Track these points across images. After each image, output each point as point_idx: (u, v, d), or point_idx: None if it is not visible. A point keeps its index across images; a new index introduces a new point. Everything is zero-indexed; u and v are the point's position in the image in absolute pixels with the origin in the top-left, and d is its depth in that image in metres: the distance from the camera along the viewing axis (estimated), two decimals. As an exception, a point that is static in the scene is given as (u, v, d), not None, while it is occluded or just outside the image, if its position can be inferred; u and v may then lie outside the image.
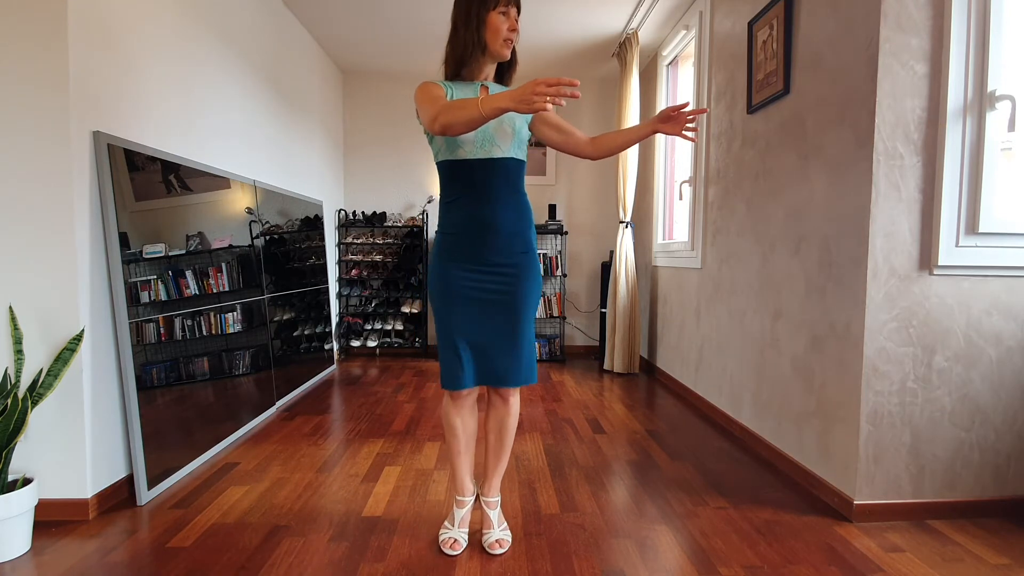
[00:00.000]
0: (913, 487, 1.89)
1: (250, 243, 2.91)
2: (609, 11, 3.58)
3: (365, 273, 4.76)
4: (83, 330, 1.79)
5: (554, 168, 4.97)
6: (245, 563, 1.58)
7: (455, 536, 1.68)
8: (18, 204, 1.76)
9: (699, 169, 3.29)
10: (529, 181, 4.72)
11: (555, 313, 4.72)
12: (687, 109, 1.58)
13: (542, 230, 4.64)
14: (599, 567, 1.57)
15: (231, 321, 2.63)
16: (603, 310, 4.52)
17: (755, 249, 2.59)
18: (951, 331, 1.86)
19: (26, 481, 1.72)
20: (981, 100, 1.79)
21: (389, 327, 4.75)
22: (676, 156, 4.10)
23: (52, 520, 1.81)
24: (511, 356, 1.62)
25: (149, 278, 2.08)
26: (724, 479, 2.21)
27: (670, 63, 4.08)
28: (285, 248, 3.44)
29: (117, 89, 1.99)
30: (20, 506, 1.62)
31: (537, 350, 4.66)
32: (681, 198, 3.75)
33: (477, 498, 1.80)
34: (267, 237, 3.17)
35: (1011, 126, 1.76)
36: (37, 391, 1.70)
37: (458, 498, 1.73)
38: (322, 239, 4.16)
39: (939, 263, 1.82)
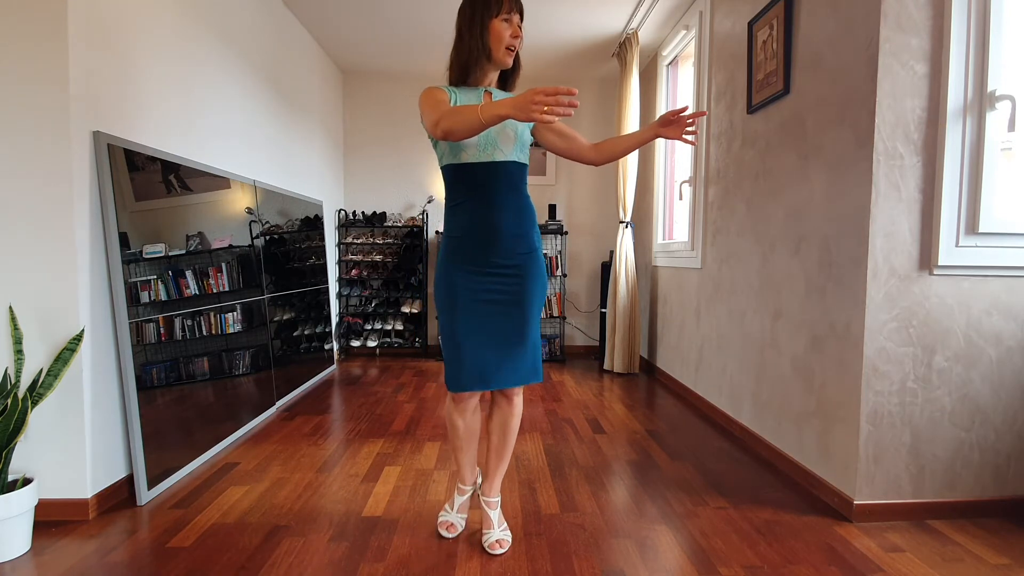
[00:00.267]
0: (913, 487, 1.89)
1: (250, 243, 2.91)
2: (609, 11, 3.58)
3: (365, 273, 4.76)
4: (83, 330, 1.79)
5: (554, 168, 4.97)
6: (245, 563, 1.58)
7: (452, 520, 1.76)
8: (18, 204, 1.76)
9: (699, 169, 3.29)
10: (530, 181, 4.69)
11: (555, 313, 4.72)
12: (687, 113, 1.58)
13: (542, 230, 4.64)
14: (599, 567, 1.57)
15: (231, 321, 2.63)
16: (603, 310, 4.52)
17: (755, 249, 2.59)
18: (951, 331, 1.86)
19: (26, 481, 1.72)
20: (981, 100, 1.79)
21: (389, 327, 4.75)
22: (676, 156, 4.10)
23: (52, 520, 1.81)
24: (516, 357, 1.63)
25: (149, 278, 2.08)
26: (724, 479, 2.21)
27: (670, 63, 4.08)
28: (285, 248, 3.44)
29: (117, 89, 1.99)
30: (20, 506, 1.62)
31: (541, 349, 4.64)
32: (681, 198, 3.75)
33: (476, 496, 1.81)
34: (267, 237, 3.17)
35: (1011, 126, 1.76)
36: (37, 391, 1.70)
37: (460, 486, 1.80)
38: (322, 239, 4.16)
39: (939, 263, 1.82)
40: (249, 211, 2.96)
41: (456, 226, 1.63)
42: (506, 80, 1.69)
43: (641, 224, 4.48)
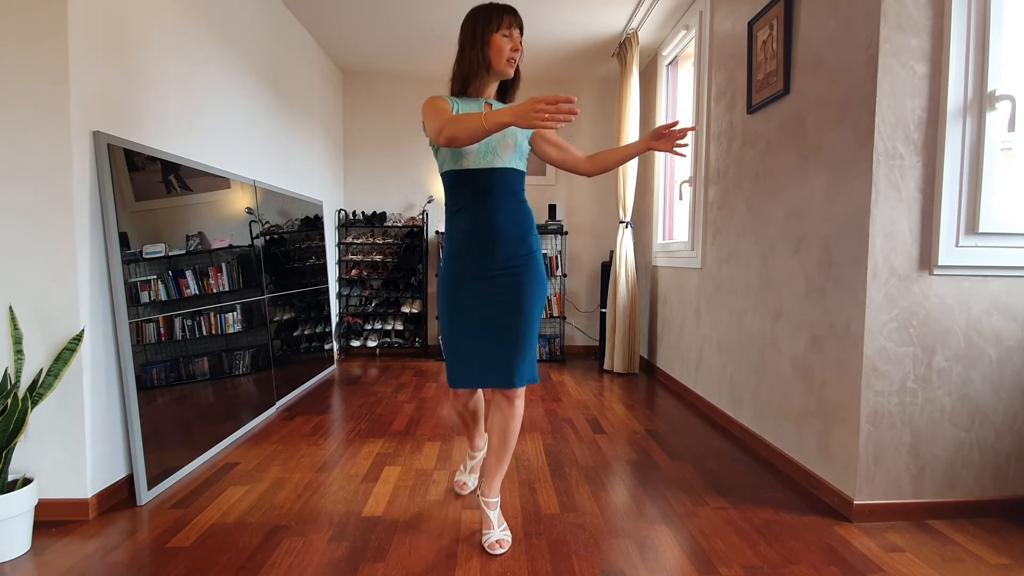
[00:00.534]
0: (913, 487, 1.89)
1: (250, 243, 2.91)
2: (609, 11, 3.58)
3: (365, 273, 4.76)
4: (83, 330, 1.79)
5: (554, 168, 4.96)
6: (245, 563, 1.58)
7: (465, 479, 2.05)
8: (18, 204, 1.76)
9: (699, 169, 3.29)
10: (529, 181, 4.72)
11: (555, 313, 4.72)
12: (678, 127, 1.66)
13: (542, 230, 4.64)
14: (599, 567, 1.57)
15: (231, 321, 2.63)
16: (603, 310, 4.52)
17: (755, 249, 2.59)
18: (951, 331, 1.86)
19: (26, 481, 1.72)
20: (981, 100, 1.79)
21: (389, 327, 4.75)
22: (676, 156, 4.09)
23: (52, 520, 1.81)
24: (515, 358, 1.66)
25: (149, 278, 2.08)
26: (724, 479, 2.21)
27: (670, 63, 4.08)
28: (285, 248, 3.44)
29: (117, 89, 1.99)
30: (20, 506, 1.62)
31: (537, 350, 4.64)
32: (681, 198, 3.75)
33: (476, 493, 1.89)
34: (267, 237, 3.17)
35: (1011, 126, 1.76)
36: (37, 391, 1.70)
37: (470, 452, 2.08)
38: (322, 239, 4.16)
39: (939, 263, 1.82)
40: (249, 211, 2.96)
41: (457, 230, 1.68)
42: (506, 91, 1.75)
43: (641, 224, 4.48)
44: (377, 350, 4.86)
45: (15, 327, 1.72)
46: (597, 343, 4.91)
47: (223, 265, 2.60)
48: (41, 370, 1.76)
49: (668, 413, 3.13)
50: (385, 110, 4.89)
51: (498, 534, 1.69)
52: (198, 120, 2.54)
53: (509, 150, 1.64)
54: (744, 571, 1.56)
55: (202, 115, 2.57)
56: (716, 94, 3.08)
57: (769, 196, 2.47)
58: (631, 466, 2.33)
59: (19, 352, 1.71)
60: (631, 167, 4.07)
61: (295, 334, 3.52)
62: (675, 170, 4.09)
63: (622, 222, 4.11)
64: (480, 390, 1.85)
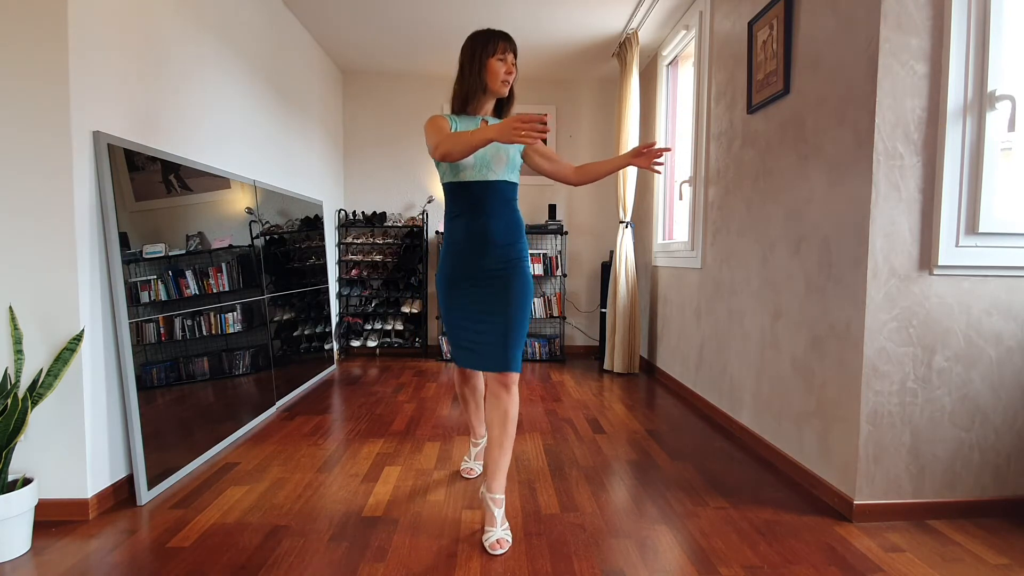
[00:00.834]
0: (913, 487, 1.89)
1: (250, 243, 2.91)
2: (609, 11, 3.58)
3: (365, 273, 4.76)
4: (83, 330, 1.79)
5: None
6: (245, 563, 1.58)
7: (471, 466, 2.22)
8: (18, 204, 1.76)
9: (699, 169, 3.29)
10: (529, 181, 4.72)
11: (555, 313, 4.72)
12: (656, 147, 1.84)
13: (542, 230, 4.65)
14: (599, 567, 1.57)
15: (231, 321, 2.63)
16: (603, 310, 4.52)
17: (755, 249, 2.59)
18: (951, 331, 1.86)
19: (26, 481, 1.72)
20: (981, 100, 1.79)
21: (389, 327, 4.75)
22: (676, 156, 4.10)
23: (52, 520, 1.81)
24: (506, 347, 1.79)
25: (149, 278, 2.08)
26: (724, 479, 2.21)
27: (670, 63, 4.08)
28: (285, 248, 3.44)
29: (117, 89, 1.99)
30: (20, 506, 1.62)
31: (537, 350, 4.66)
32: (681, 198, 3.75)
33: (480, 491, 1.98)
34: (267, 237, 3.17)
35: (1011, 126, 1.76)
36: (37, 391, 1.70)
37: (473, 440, 2.25)
38: (322, 239, 4.16)
39: (939, 263, 1.82)
40: (249, 211, 2.95)
41: (455, 234, 1.86)
42: (502, 108, 1.92)
43: (641, 224, 4.48)
44: (377, 350, 4.86)
45: (15, 327, 1.72)
46: (597, 343, 4.91)
47: (223, 265, 2.60)
48: (41, 370, 1.76)
49: (668, 413, 3.13)
50: (385, 110, 4.89)
51: (500, 533, 1.71)
52: (198, 120, 2.54)
53: (502, 164, 1.82)
54: (744, 571, 1.56)
55: (202, 115, 2.57)
56: (716, 94, 3.08)
57: (769, 196, 2.47)
58: (631, 466, 2.33)
59: (19, 352, 1.71)
60: (632, 167, 4.07)
61: (295, 334, 3.52)
62: (675, 170, 4.09)
63: (622, 222, 4.11)
64: (478, 377, 2.09)
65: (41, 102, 1.75)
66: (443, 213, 4.86)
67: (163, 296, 2.15)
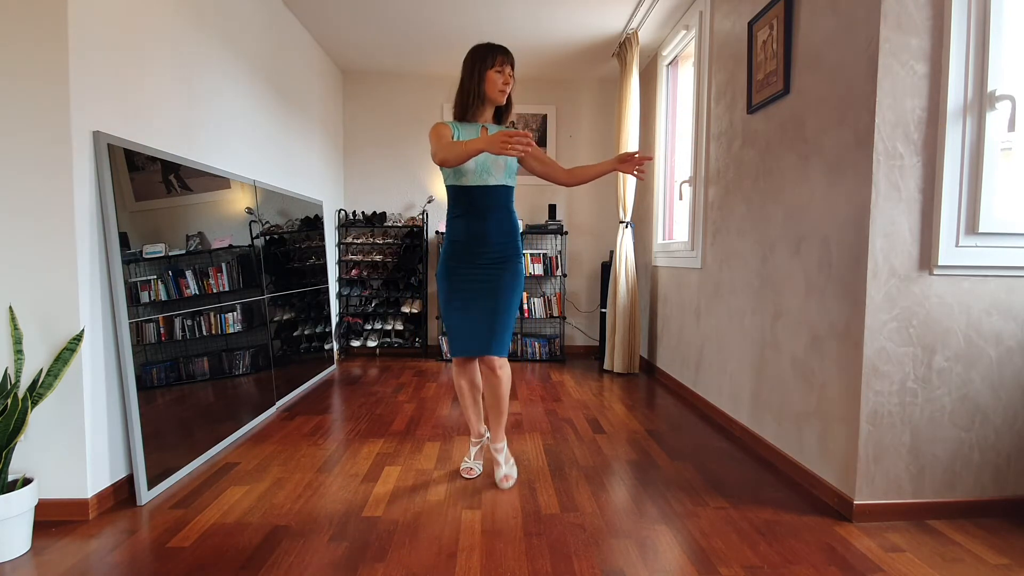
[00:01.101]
0: (913, 487, 1.89)
1: (250, 243, 2.91)
2: (609, 11, 3.58)
3: (365, 273, 4.76)
4: (83, 330, 1.79)
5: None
6: (245, 563, 1.58)
7: (471, 465, 2.22)
8: (18, 204, 1.77)
9: (699, 169, 3.29)
10: (530, 181, 4.72)
11: (555, 313, 4.72)
12: (638, 155, 2.01)
13: (542, 230, 4.65)
14: (599, 567, 1.57)
15: (231, 321, 2.63)
16: (603, 310, 4.52)
17: (755, 249, 2.59)
18: (951, 331, 1.86)
19: (26, 481, 1.72)
20: (981, 100, 1.79)
21: (389, 327, 4.75)
22: (676, 156, 4.10)
23: (52, 520, 1.81)
24: (494, 332, 2.03)
25: (149, 278, 2.08)
26: (724, 479, 2.21)
27: (670, 63, 4.08)
28: (285, 248, 3.44)
29: (117, 89, 1.99)
30: (20, 506, 1.62)
31: (537, 350, 4.66)
32: (681, 198, 3.75)
33: (488, 447, 2.23)
34: (267, 237, 3.17)
35: (1011, 126, 1.76)
36: (37, 391, 1.70)
37: (472, 439, 2.28)
38: (322, 239, 4.16)
39: (939, 263, 1.82)
40: (249, 211, 2.96)
41: (456, 231, 2.07)
42: (501, 115, 2.12)
43: (641, 224, 4.48)
44: (377, 350, 4.86)
45: (15, 327, 1.72)
46: (597, 343, 4.91)
47: (223, 265, 2.60)
48: (41, 370, 1.76)
49: (668, 413, 3.13)
50: (385, 110, 4.89)
51: (506, 469, 2.14)
52: (198, 120, 2.54)
53: (500, 170, 2.03)
54: (744, 571, 1.56)
55: (202, 115, 2.57)
56: (716, 94, 3.08)
57: (769, 196, 2.47)
58: (631, 466, 2.33)
59: (19, 352, 1.71)
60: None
61: (295, 334, 3.52)
62: (675, 170, 4.09)
63: (622, 222, 4.11)
64: (477, 366, 2.19)
65: (41, 102, 1.75)
66: (443, 213, 4.89)
67: (163, 296, 2.15)
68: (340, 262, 4.74)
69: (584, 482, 2.16)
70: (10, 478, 1.73)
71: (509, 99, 2.07)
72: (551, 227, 4.62)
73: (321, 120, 4.31)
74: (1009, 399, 1.89)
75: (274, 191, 3.34)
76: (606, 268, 4.54)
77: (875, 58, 1.81)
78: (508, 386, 2.11)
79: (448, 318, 2.10)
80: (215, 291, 2.51)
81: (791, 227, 2.29)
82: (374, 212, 4.85)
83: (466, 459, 2.28)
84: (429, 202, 4.87)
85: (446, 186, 2.07)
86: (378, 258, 4.75)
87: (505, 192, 2.06)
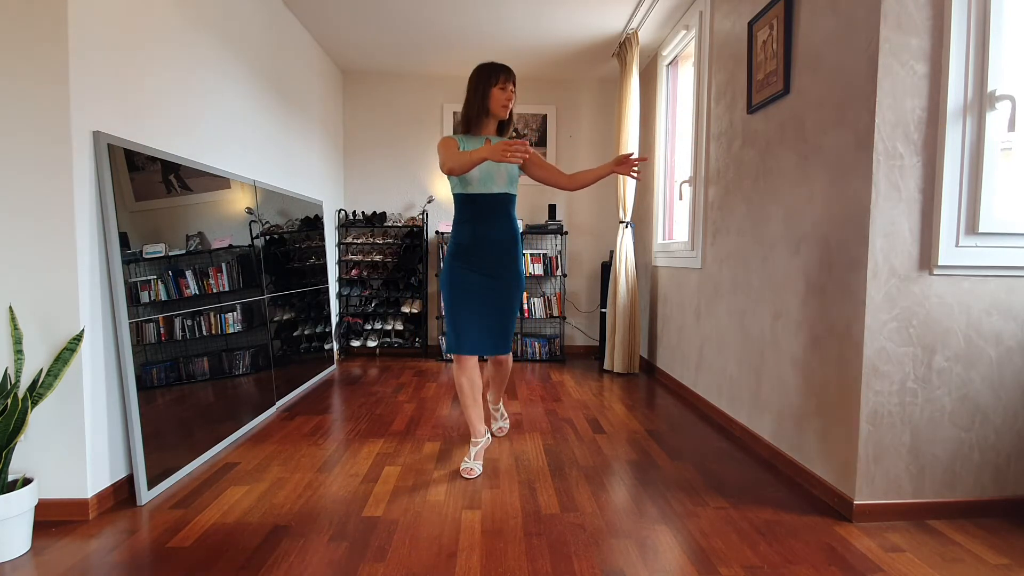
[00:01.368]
0: (913, 487, 1.89)
1: (250, 243, 2.91)
2: (609, 11, 3.58)
3: (365, 273, 4.76)
4: (83, 330, 1.79)
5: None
6: (245, 563, 1.58)
7: (472, 466, 2.23)
8: (18, 204, 1.77)
9: (699, 169, 3.29)
10: (530, 181, 4.72)
11: (555, 313, 4.72)
12: (634, 157, 2.19)
13: (542, 230, 4.65)
14: (599, 567, 1.57)
15: (231, 321, 2.63)
16: (603, 310, 4.52)
17: (755, 249, 2.59)
18: (951, 331, 1.86)
19: (26, 481, 1.72)
20: (981, 100, 1.79)
21: (389, 327, 4.75)
22: (676, 156, 4.10)
23: (52, 520, 1.81)
24: (498, 330, 2.24)
25: (149, 278, 2.08)
26: (724, 479, 2.21)
27: (670, 63, 4.08)
28: (285, 248, 3.44)
29: (117, 89, 1.99)
30: (20, 506, 1.62)
31: (537, 350, 4.67)
32: (681, 198, 3.75)
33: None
34: (267, 237, 3.17)
35: (1011, 126, 1.76)
36: (37, 391, 1.70)
37: (473, 439, 2.32)
38: (322, 239, 4.16)
39: (939, 263, 1.82)
40: (249, 211, 2.96)
41: (462, 236, 2.23)
42: (503, 128, 2.27)
43: (641, 224, 4.48)
44: (377, 350, 4.86)
45: (15, 327, 1.72)
46: (597, 343, 4.91)
47: (223, 265, 2.60)
48: (41, 370, 1.76)
49: (668, 413, 3.13)
50: (385, 110, 4.89)
51: (501, 423, 2.64)
52: (198, 120, 2.54)
53: (503, 180, 2.19)
54: (744, 571, 1.56)
55: (202, 115, 2.57)
56: (716, 94, 3.08)
57: (769, 196, 2.47)
58: (631, 466, 2.33)
59: (19, 352, 1.71)
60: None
61: (295, 334, 3.52)
62: (675, 170, 4.09)
63: (622, 222, 4.11)
64: (477, 364, 2.28)
65: (41, 102, 1.75)
66: (441, 214, 4.94)
67: (163, 296, 2.15)
68: (340, 262, 4.74)
69: (584, 482, 2.16)
70: (10, 478, 1.73)
71: (511, 113, 2.24)
72: (551, 227, 4.62)
73: (321, 120, 4.31)
74: (1009, 399, 1.89)
75: (274, 191, 3.34)
76: (606, 268, 4.54)
77: (875, 58, 1.81)
78: (510, 368, 2.49)
79: (454, 318, 2.20)
80: (215, 291, 2.51)
81: (791, 227, 2.29)
82: (374, 212, 4.85)
83: (466, 459, 2.28)
84: (429, 202, 4.87)
85: (453, 194, 2.25)
86: (378, 258, 4.75)
87: (507, 199, 2.23)
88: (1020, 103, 1.75)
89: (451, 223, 4.75)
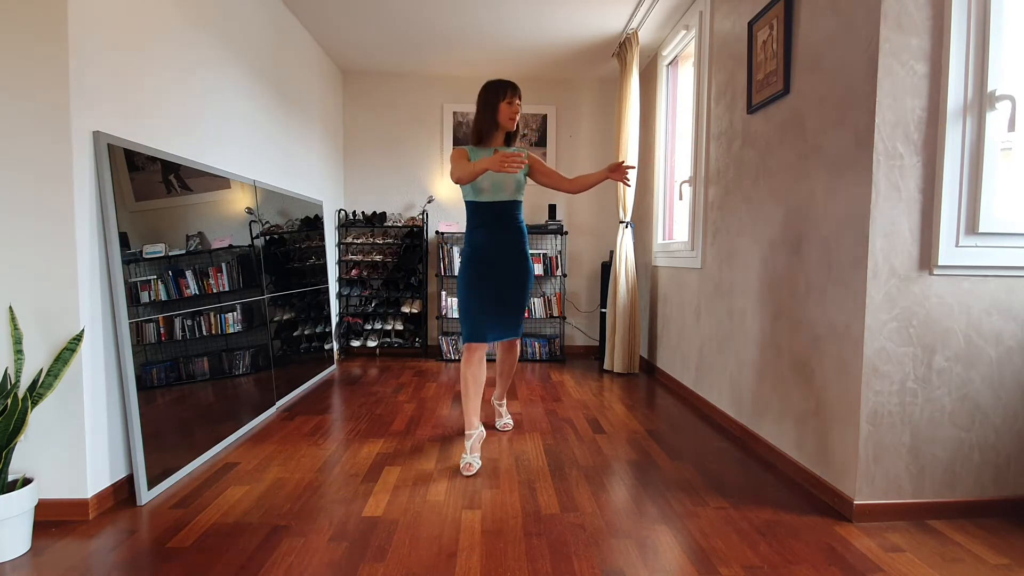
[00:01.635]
0: (913, 487, 1.89)
1: (250, 243, 2.91)
2: (609, 11, 3.58)
3: (365, 273, 4.76)
4: (83, 330, 1.79)
5: (554, 168, 4.96)
6: (245, 563, 1.58)
7: (470, 460, 2.29)
8: (18, 204, 1.77)
9: (699, 169, 3.29)
10: (531, 182, 4.71)
11: (555, 313, 4.72)
12: (626, 164, 2.43)
13: (542, 230, 4.65)
14: (599, 567, 1.57)
15: (231, 321, 2.63)
16: (603, 310, 4.52)
17: (755, 249, 2.59)
18: (951, 331, 1.86)
19: (26, 481, 1.72)
20: (981, 100, 1.79)
21: (389, 327, 4.75)
22: (676, 156, 4.10)
23: (52, 520, 1.81)
24: (512, 318, 2.49)
25: (149, 278, 2.08)
26: (724, 479, 2.21)
27: (670, 63, 4.08)
28: (285, 248, 3.44)
29: (117, 89, 1.99)
30: (20, 506, 1.62)
31: (537, 350, 4.67)
32: (681, 198, 3.75)
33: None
34: (267, 237, 3.17)
35: (1011, 126, 1.76)
36: (37, 391, 1.70)
37: (467, 432, 2.40)
38: (322, 239, 4.16)
39: (939, 263, 1.82)
40: (249, 211, 2.96)
41: (476, 239, 2.45)
42: (510, 139, 2.49)
43: (641, 224, 4.48)
44: (377, 350, 4.86)
45: (15, 327, 1.72)
46: (597, 343, 4.91)
47: (223, 265, 2.60)
48: (41, 370, 1.76)
49: (668, 413, 3.13)
50: (385, 110, 4.89)
51: (506, 419, 2.81)
52: (198, 120, 2.54)
53: (511, 188, 2.42)
54: (744, 571, 1.56)
55: (202, 115, 2.57)
56: (716, 94, 3.08)
57: (769, 196, 2.47)
58: (631, 466, 2.33)
59: (19, 352, 1.71)
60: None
61: (295, 334, 3.52)
62: (675, 170, 4.09)
63: (622, 222, 4.11)
64: (484, 358, 2.45)
65: (41, 102, 1.75)
66: (441, 214, 4.99)
67: (163, 296, 2.15)
68: (340, 262, 4.74)
69: (584, 482, 2.16)
70: (10, 478, 1.73)
71: (517, 125, 2.46)
72: (551, 227, 4.62)
73: (321, 120, 4.31)
74: (1009, 399, 1.89)
75: (274, 191, 3.34)
76: (606, 268, 4.54)
77: (875, 58, 1.81)
78: (518, 355, 2.72)
79: (469, 311, 2.41)
80: (215, 291, 2.51)
81: (791, 227, 2.29)
82: (374, 212, 4.85)
83: (464, 455, 2.33)
84: (429, 202, 4.87)
85: (465, 202, 2.48)
86: (378, 258, 4.75)
87: (515, 206, 2.47)
88: (1020, 103, 1.75)
89: (451, 223, 4.79)
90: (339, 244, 4.72)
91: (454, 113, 4.87)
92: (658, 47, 4.12)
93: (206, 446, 2.34)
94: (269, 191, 3.26)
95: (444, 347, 4.65)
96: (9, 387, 1.69)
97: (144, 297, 2.05)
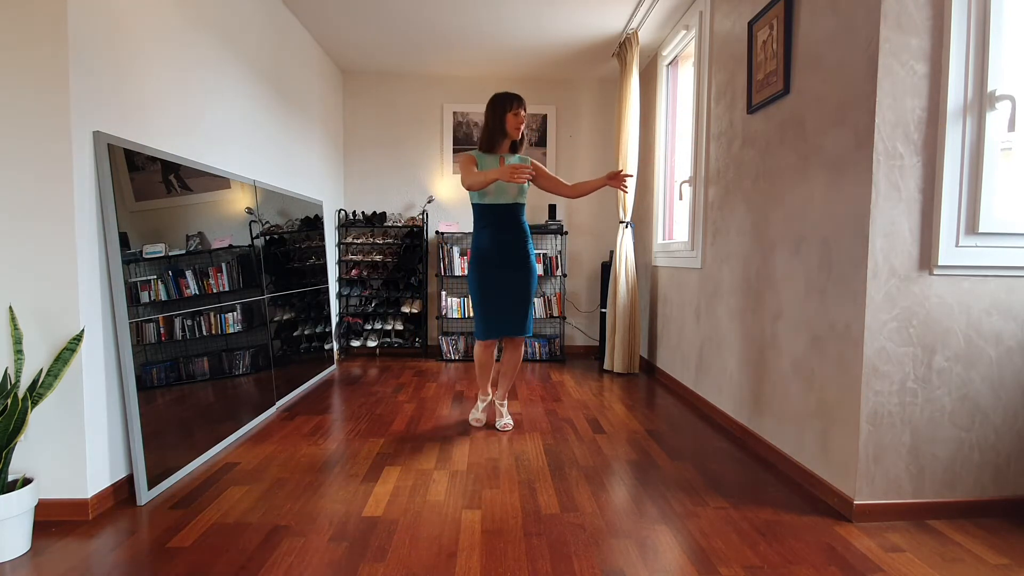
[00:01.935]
0: (913, 487, 1.89)
1: (250, 243, 2.91)
2: (609, 11, 3.58)
3: (365, 273, 4.76)
4: (83, 330, 1.79)
5: (554, 169, 4.97)
6: (245, 563, 1.58)
7: (479, 416, 2.85)
8: (18, 204, 1.77)
9: (699, 169, 3.29)
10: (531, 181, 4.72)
11: (555, 313, 4.72)
12: (624, 173, 2.59)
13: (542, 230, 4.65)
14: (599, 567, 1.57)
15: (231, 321, 2.63)
16: (603, 310, 4.52)
17: (755, 249, 2.59)
18: (951, 331, 1.86)
19: (26, 481, 1.72)
20: (981, 100, 1.79)
21: (389, 327, 4.75)
22: (676, 156, 4.10)
23: (52, 520, 1.81)
24: (520, 317, 2.67)
25: (149, 278, 2.08)
26: (724, 479, 2.21)
27: (670, 63, 4.08)
28: (285, 248, 3.44)
29: (117, 89, 1.99)
30: (20, 506, 1.62)
31: (537, 350, 4.67)
32: (681, 198, 3.75)
33: (491, 414, 2.76)
34: (267, 237, 3.17)
35: (1011, 126, 1.76)
36: (37, 391, 1.70)
37: (480, 396, 2.89)
38: (322, 239, 4.16)
39: (939, 263, 1.82)
40: (249, 211, 2.95)
41: (482, 240, 2.66)
42: (516, 147, 2.69)
43: (641, 224, 4.48)
44: (377, 350, 4.86)
45: (15, 327, 1.72)
46: (597, 343, 4.91)
47: (223, 265, 2.60)
48: (41, 370, 1.76)
49: (668, 413, 3.13)
50: (385, 110, 4.89)
51: (506, 419, 2.83)
52: (198, 120, 2.54)
53: (515, 192, 2.62)
54: (744, 571, 1.56)
55: (202, 115, 2.57)
56: (716, 94, 3.08)
57: (769, 196, 2.47)
58: (631, 466, 2.33)
59: (19, 352, 1.71)
60: (631, 167, 4.07)
61: (295, 334, 3.52)
62: (675, 170, 4.09)
63: (622, 222, 4.11)
64: (494, 350, 2.78)
65: (41, 102, 1.75)
66: (441, 214, 5.01)
67: (163, 296, 2.15)
68: (340, 262, 4.74)
69: (584, 482, 2.16)
70: (10, 478, 1.73)
71: (523, 134, 2.67)
72: (551, 227, 4.62)
73: (321, 120, 4.31)
74: (1009, 399, 1.89)
75: (274, 191, 3.34)
76: (606, 268, 4.54)
77: (875, 58, 1.81)
78: (522, 354, 2.85)
79: (483, 309, 2.65)
80: (215, 291, 2.51)
81: (791, 227, 2.29)
82: (374, 212, 4.85)
83: (474, 411, 2.88)
84: (429, 202, 4.87)
85: (473, 204, 2.68)
86: (378, 258, 4.75)
87: (519, 208, 2.67)
88: (1020, 103, 1.75)
89: (451, 223, 4.79)
90: (339, 244, 4.72)
91: (454, 113, 4.87)
92: (658, 47, 4.12)
93: (206, 446, 2.34)
94: (269, 191, 3.26)
95: (444, 347, 4.65)
96: (9, 387, 1.69)
97: (144, 297, 2.05)
